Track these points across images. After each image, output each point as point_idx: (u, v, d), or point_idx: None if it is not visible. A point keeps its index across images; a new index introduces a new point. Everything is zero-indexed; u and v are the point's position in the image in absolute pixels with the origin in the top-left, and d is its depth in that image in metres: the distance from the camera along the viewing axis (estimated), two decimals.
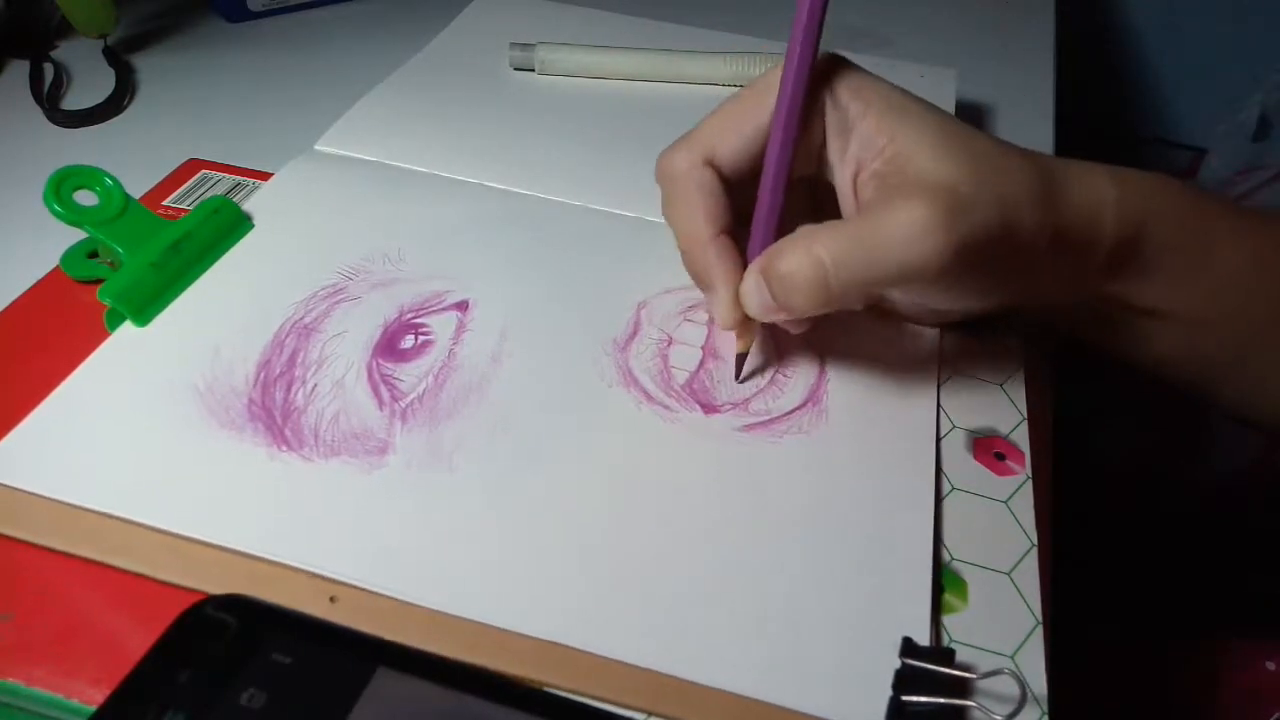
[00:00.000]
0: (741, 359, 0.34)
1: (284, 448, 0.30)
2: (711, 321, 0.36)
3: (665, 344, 0.35)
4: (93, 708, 0.23)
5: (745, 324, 0.32)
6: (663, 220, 0.41)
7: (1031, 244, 0.29)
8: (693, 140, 0.32)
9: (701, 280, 0.33)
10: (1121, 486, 0.78)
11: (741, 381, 0.34)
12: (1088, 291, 0.33)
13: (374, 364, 0.33)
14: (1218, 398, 0.38)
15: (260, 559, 0.27)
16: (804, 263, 0.29)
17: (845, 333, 0.36)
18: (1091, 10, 0.87)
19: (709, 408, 0.33)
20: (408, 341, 0.34)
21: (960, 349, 0.36)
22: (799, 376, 0.34)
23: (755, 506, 0.30)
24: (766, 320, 0.32)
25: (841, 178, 0.31)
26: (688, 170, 0.31)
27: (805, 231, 0.29)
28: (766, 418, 0.33)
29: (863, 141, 0.30)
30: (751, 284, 0.31)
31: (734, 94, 0.32)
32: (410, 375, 0.33)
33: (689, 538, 0.29)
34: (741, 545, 0.29)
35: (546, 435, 0.31)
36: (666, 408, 0.33)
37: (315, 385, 0.32)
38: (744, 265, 0.31)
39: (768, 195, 0.31)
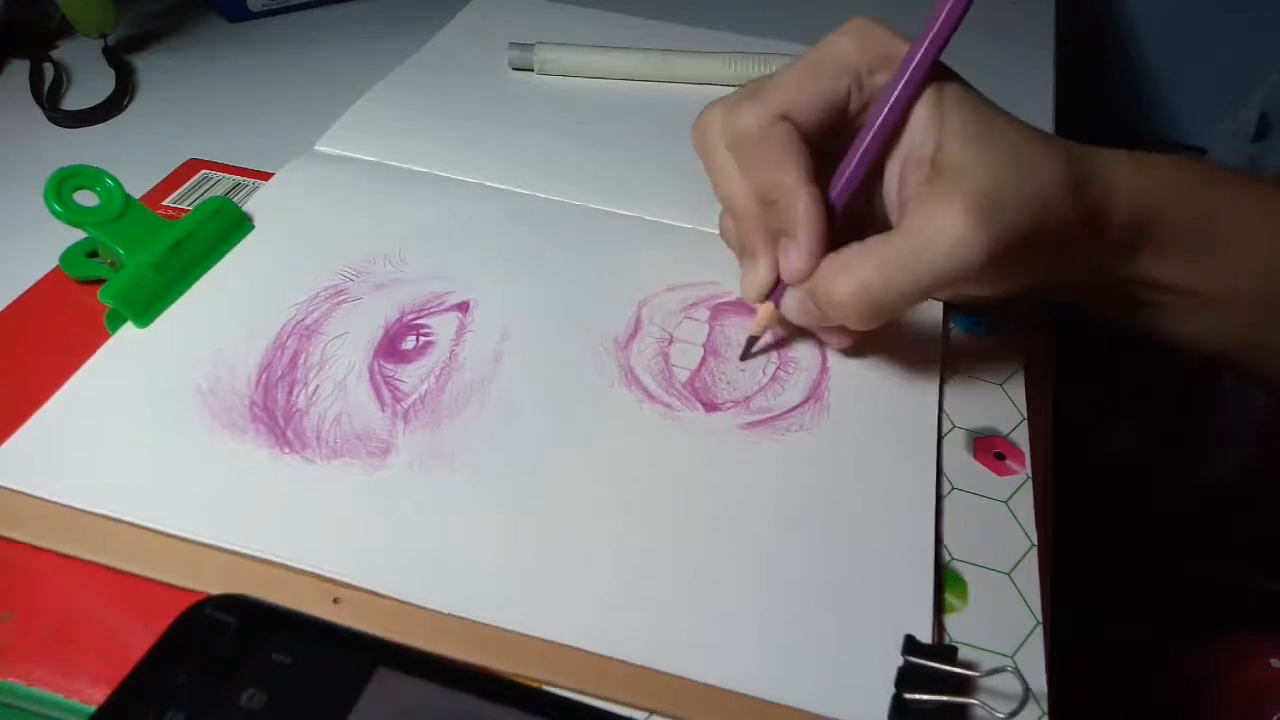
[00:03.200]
0: (752, 341, 0.34)
1: (287, 450, 0.30)
2: (713, 319, 0.36)
3: (666, 342, 0.35)
4: (93, 708, 0.23)
5: (768, 305, 0.34)
6: (663, 220, 0.41)
7: (1060, 232, 0.30)
8: (764, 99, 0.32)
9: (749, 246, 0.33)
10: (1121, 486, 0.78)
11: (744, 360, 0.34)
12: (1106, 272, 0.33)
13: (375, 365, 0.33)
14: (1256, 375, 0.38)
15: (264, 561, 0.27)
16: (855, 288, 0.30)
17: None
18: (1092, 10, 0.87)
19: (710, 406, 0.33)
20: (409, 343, 0.34)
21: (960, 349, 0.36)
22: (800, 373, 0.34)
23: (757, 504, 0.30)
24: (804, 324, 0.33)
25: (891, 163, 0.33)
26: (767, 125, 0.32)
27: (850, 255, 0.31)
28: (768, 415, 0.33)
29: (912, 128, 0.32)
30: (796, 301, 0.33)
31: (795, 61, 0.33)
32: (412, 376, 0.33)
33: (691, 536, 0.29)
34: (743, 543, 0.29)
35: (548, 435, 0.31)
36: (668, 406, 0.33)
37: (317, 387, 0.32)
38: (829, 217, 0.32)
39: (863, 162, 0.32)
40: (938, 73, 0.32)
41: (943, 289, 0.30)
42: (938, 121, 0.31)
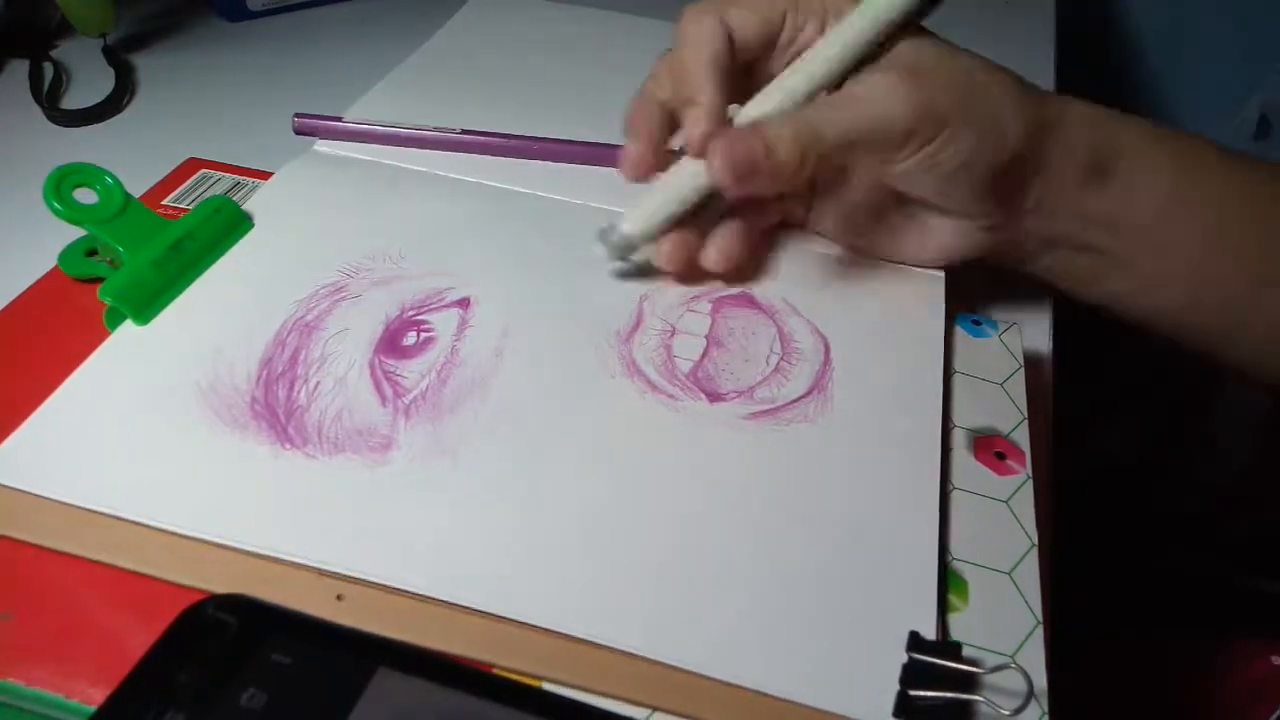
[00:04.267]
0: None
1: (288, 446, 0.30)
2: (715, 311, 0.36)
3: (668, 334, 0.35)
4: (93, 708, 0.23)
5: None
6: None
7: (1010, 130, 0.33)
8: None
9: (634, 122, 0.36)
10: (1121, 486, 0.78)
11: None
12: (1072, 207, 0.35)
13: (376, 361, 0.33)
14: (1224, 354, 0.39)
15: (265, 557, 0.27)
16: (795, 122, 0.32)
17: (846, 319, 0.36)
18: (1092, 10, 0.87)
19: (714, 396, 0.33)
20: (410, 338, 0.34)
21: (961, 348, 0.36)
22: (804, 364, 0.34)
23: (761, 495, 0.30)
24: (736, 184, 0.33)
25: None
26: (701, 13, 0.35)
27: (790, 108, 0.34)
28: (771, 405, 0.33)
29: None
30: (726, 145, 0.33)
31: None
32: (413, 372, 0.33)
33: (695, 528, 0.29)
34: (747, 535, 0.28)
35: (550, 427, 0.31)
36: (671, 396, 0.33)
37: (318, 383, 0.32)
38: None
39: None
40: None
41: (870, 137, 0.32)
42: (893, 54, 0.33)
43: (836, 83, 0.34)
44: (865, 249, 0.39)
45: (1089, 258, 0.36)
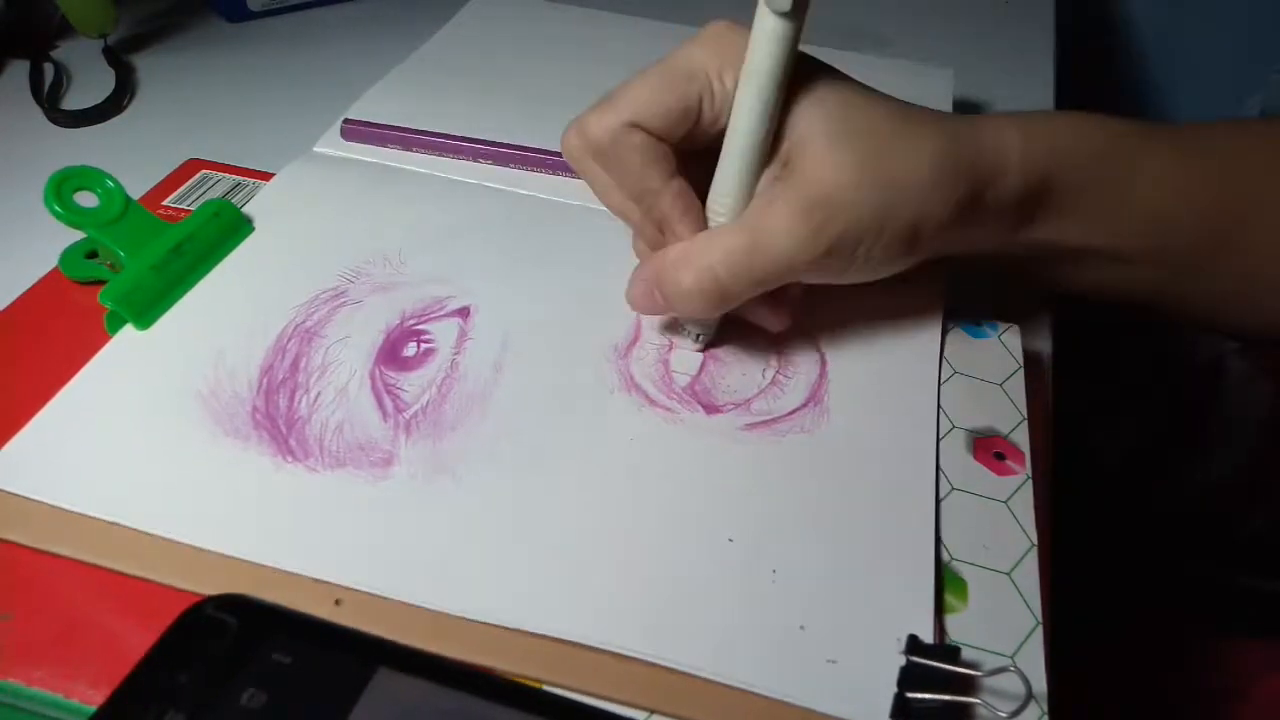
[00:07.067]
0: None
1: (290, 458, 0.30)
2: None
3: (666, 349, 0.35)
4: (93, 708, 0.23)
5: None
6: None
7: (932, 217, 0.31)
8: (614, 108, 0.31)
9: (640, 252, 0.35)
10: (1121, 486, 0.78)
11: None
12: (1005, 241, 0.34)
13: (377, 372, 0.33)
14: (1166, 315, 0.40)
15: (266, 568, 0.27)
16: (700, 278, 0.31)
17: (844, 331, 0.36)
18: (1091, 10, 0.87)
19: (711, 408, 0.33)
20: (410, 349, 0.34)
21: (960, 349, 0.36)
22: (799, 376, 0.34)
23: (759, 505, 0.30)
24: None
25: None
26: (618, 134, 0.31)
27: (693, 247, 0.31)
28: (768, 417, 0.33)
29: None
30: (641, 291, 0.33)
31: (649, 68, 0.31)
32: (413, 385, 0.32)
33: (693, 538, 0.29)
34: (745, 542, 0.29)
35: (549, 442, 0.31)
36: (669, 409, 0.33)
37: (319, 393, 0.32)
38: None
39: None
40: (802, 68, 0.30)
41: (782, 280, 0.31)
42: (794, 121, 0.30)
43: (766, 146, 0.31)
44: None
45: (1035, 264, 0.36)
